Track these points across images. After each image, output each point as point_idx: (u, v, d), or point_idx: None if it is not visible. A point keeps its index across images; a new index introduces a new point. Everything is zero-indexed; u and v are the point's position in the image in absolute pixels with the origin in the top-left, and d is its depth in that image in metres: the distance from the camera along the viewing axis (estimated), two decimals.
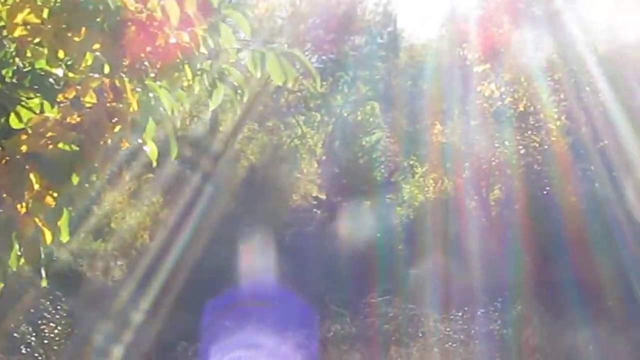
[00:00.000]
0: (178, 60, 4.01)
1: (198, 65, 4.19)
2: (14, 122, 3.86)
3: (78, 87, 3.86)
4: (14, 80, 4.08)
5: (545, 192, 22.37)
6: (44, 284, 3.87)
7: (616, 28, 23.03)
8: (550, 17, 23.94)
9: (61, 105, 3.85)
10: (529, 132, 22.99)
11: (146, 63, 4.01)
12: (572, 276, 19.62)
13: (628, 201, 20.59)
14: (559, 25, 23.39)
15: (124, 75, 3.89)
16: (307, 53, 28.65)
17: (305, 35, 29.85)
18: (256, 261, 21.94)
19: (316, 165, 30.04)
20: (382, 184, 27.91)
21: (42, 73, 4.09)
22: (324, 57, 30.84)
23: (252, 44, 4.73)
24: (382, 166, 28.88)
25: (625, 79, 22.10)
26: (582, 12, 23.49)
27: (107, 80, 3.84)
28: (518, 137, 23.09)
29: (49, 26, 3.83)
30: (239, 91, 4.41)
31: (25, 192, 3.60)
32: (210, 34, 4.17)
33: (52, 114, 3.80)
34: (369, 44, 31.15)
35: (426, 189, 27.41)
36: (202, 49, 4.12)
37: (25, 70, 4.10)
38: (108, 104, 3.79)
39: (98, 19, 3.85)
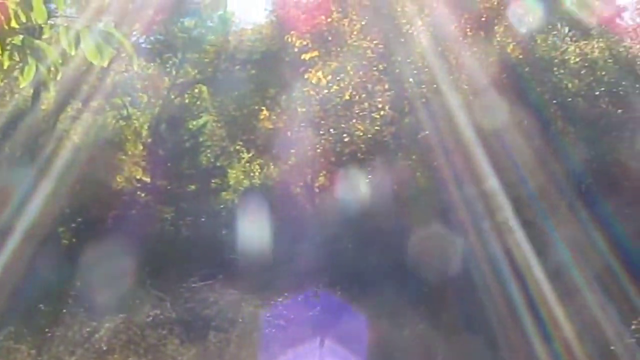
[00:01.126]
0: None
1: (8, 40, 4.00)
2: None
3: None
4: None
5: (367, 180, 22.81)
6: None
7: (443, 21, 23.64)
8: (379, 7, 24.36)
9: None
10: (354, 121, 23.33)
11: None
12: (391, 262, 20.12)
13: (447, 190, 21.25)
14: (386, 16, 23.83)
15: None
16: (135, 33, 28.03)
17: (134, 15, 29.19)
18: (75, 245, 21.44)
19: (142, 148, 29.49)
20: (208, 168, 27.73)
21: None
22: (152, 38, 30.27)
23: (76, 21, 4.54)
24: (209, 150, 28.68)
25: (448, 71, 22.80)
26: (409, 3, 23.97)
27: None
28: (343, 126, 23.40)
29: None
30: (52, 68, 4.24)
31: None
32: (22, 7, 3.98)
33: None
34: (199, 26, 30.80)
35: (252, 174, 27.51)
36: (13, 23, 3.93)
37: None
38: None
39: None
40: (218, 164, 28.30)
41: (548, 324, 17.05)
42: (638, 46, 24.60)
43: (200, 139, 28.16)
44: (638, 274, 18.32)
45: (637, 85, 23.49)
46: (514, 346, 17.21)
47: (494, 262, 19.34)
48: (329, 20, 24.25)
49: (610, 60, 23.80)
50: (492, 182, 20.92)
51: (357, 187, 22.60)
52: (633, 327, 14.09)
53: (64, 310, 18.37)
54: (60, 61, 4.29)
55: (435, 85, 22.74)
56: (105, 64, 4.22)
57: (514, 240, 19.61)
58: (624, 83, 23.26)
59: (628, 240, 19.81)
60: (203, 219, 24.59)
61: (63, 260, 21.09)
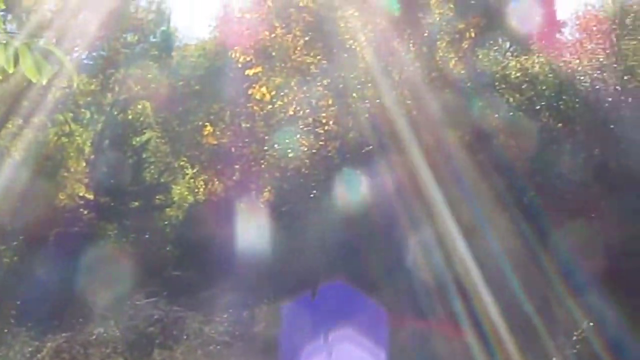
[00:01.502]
0: None
1: None
2: None
3: None
4: None
5: (312, 196, 22.85)
6: None
7: (386, 37, 23.82)
8: (322, 23, 24.47)
9: None
10: (298, 136, 23.39)
11: None
12: (340, 277, 20.16)
13: (391, 203, 21.36)
14: (329, 32, 23.94)
15: None
16: (77, 49, 27.80)
17: (76, 31, 28.93)
18: (17, 263, 21.14)
19: (84, 164, 29.20)
20: (151, 184, 27.55)
21: None
22: (94, 54, 30.02)
23: (16, 37, 4.50)
24: (152, 167, 28.50)
25: (392, 87, 22.98)
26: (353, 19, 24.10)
27: None
28: (287, 141, 23.44)
29: None
30: None
31: None
32: None
33: None
34: (142, 42, 30.65)
35: (196, 190, 27.41)
36: None
37: None
38: None
39: None
40: (162, 180, 28.13)
41: (490, 337, 17.20)
42: (577, 61, 25.00)
43: (144, 155, 27.97)
44: (577, 285, 18.62)
45: (577, 100, 23.88)
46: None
47: (436, 272, 19.50)
48: (273, 36, 24.28)
49: (550, 75, 24.16)
50: (435, 195, 21.10)
51: (303, 202, 22.63)
52: (574, 338, 14.28)
53: (6, 330, 18.10)
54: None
55: (379, 101, 22.90)
56: (44, 82, 4.18)
57: (456, 253, 19.77)
58: (564, 97, 23.63)
59: (568, 252, 20.09)
60: (147, 236, 24.42)
61: (5, 278, 20.80)
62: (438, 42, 24.24)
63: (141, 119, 29.73)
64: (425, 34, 23.94)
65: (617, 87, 23.66)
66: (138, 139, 28.46)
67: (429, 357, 17.56)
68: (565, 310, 17.63)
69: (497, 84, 24.19)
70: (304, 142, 23.26)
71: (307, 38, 24.19)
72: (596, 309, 17.74)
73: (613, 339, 16.97)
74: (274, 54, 24.26)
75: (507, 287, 18.66)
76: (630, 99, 23.41)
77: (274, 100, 23.67)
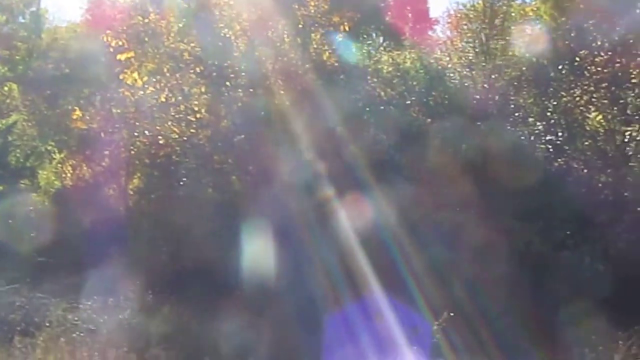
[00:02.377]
0: None
1: None
2: None
3: None
4: None
5: (181, 183, 22.66)
6: None
7: (261, 27, 23.78)
8: (196, 11, 24.32)
9: None
10: (170, 123, 23.13)
11: None
12: (207, 265, 20.08)
13: (260, 192, 21.39)
14: (204, 19, 23.80)
15: None
16: None
17: None
18: None
19: None
20: (17, 168, 26.76)
21: None
22: None
23: None
24: (18, 150, 27.67)
25: (265, 76, 23.01)
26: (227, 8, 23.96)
27: None
28: (158, 127, 23.16)
29: None
30: None
31: None
32: None
33: None
34: (10, 22, 29.77)
35: (64, 175, 26.76)
36: None
37: None
38: None
39: None
40: (28, 164, 27.37)
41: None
42: (448, 58, 25.53)
43: (10, 138, 27.15)
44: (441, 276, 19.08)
45: (446, 96, 24.36)
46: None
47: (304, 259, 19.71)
48: (146, 21, 23.95)
49: (421, 71, 24.58)
50: (308, 184, 21.29)
51: (172, 189, 22.43)
52: (435, 327, 14.58)
53: None
54: None
55: (252, 90, 22.90)
56: None
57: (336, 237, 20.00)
58: (434, 93, 24.09)
59: (435, 245, 20.51)
60: (11, 221, 23.69)
61: None
62: (312, 34, 24.37)
63: (7, 101, 28.87)
64: (300, 26, 24.03)
65: (485, 85, 24.25)
66: (4, 121, 27.59)
67: None
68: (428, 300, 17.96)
69: (369, 77, 24.47)
70: (175, 129, 23.02)
71: (181, 24, 23.96)
72: (458, 300, 18.18)
73: (472, 329, 17.40)
74: (146, 39, 23.94)
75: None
76: (497, 97, 24.04)
77: (146, 86, 23.34)
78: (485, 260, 20.68)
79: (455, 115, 23.54)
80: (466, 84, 24.59)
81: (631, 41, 25.15)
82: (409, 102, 24.09)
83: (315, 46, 24.33)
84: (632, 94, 24.09)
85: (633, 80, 24.32)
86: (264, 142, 22.21)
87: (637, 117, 23.65)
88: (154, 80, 23.31)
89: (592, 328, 16.77)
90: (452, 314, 14.31)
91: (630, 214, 22.60)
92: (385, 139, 23.69)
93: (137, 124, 23.72)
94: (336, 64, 24.26)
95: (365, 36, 26.46)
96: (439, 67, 24.98)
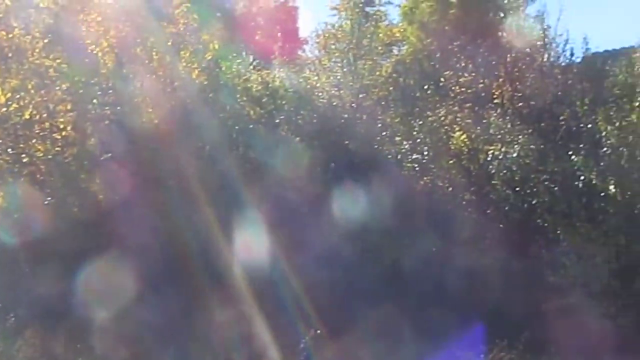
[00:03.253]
0: None
1: None
2: None
3: None
4: None
5: (46, 203, 22.14)
6: None
7: (128, 44, 23.55)
8: (62, 27, 23.89)
9: None
10: (34, 141, 22.59)
11: None
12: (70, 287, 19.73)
13: (130, 213, 21.15)
14: (70, 36, 23.40)
15: None
16: None
17: None
18: None
19: None
20: None
21: None
22: None
23: None
24: None
25: (133, 94, 22.79)
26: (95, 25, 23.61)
27: None
28: (22, 146, 22.59)
29: None
30: None
31: None
32: None
33: None
34: None
35: None
36: None
37: None
38: None
39: None
40: None
41: None
42: (316, 77, 25.83)
43: None
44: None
45: (315, 115, 24.63)
46: None
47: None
48: (10, 36, 23.36)
49: (290, 90, 24.79)
50: (179, 204, 21.20)
51: (34, 208, 21.88)
52: (302, 345, 14.66)
53: None
54: None
55: (119, 108, 22.63)
56: None
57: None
58: (302, 112, 24.32)
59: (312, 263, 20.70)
60: None
61: None
62: (182, 52, 24.28)
63: None
64: (169, 43, 23.91)
65: (353, 104, 24.66)
66: None
67: None
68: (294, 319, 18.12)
69: (238, 96, 24.52)
70: (39, 147, 22.49)
71: (46, 40, 23.47)
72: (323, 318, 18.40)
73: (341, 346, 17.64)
74: (10, 54, 23.34)
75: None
76: (364, 116, 24.46)
77: (9, 102, 22.73)
78: (355, 277, 21.03)
79: (324, 134, 23.85)
80: (334, 104, 24.92)
81: (494, 62, 26.08)
82: (277, 120, 24.24)
83: (184, 64, 24.22)
84: (495, 114, 24.93)
85: (495, 101, 25.21)
86: (132, 161, 21.97)
87: (499, 137, 24.46)
88: (18, 96, 22.70)
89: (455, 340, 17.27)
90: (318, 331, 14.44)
91: (493, 231, 23.36)
92: (254, 157, 23.78)
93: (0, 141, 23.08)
94: (205, 82, 24.21)
95: (234, 55, 26.51)
96: (308, 87, 25.24)
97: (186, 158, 22.11)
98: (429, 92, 26.37)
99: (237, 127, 23.84)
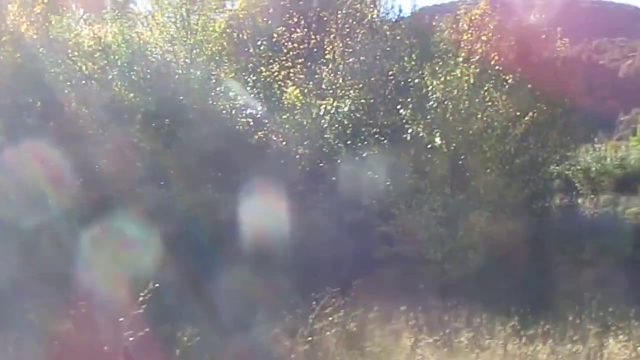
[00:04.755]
0: None
1: None
2: None
3: None
4: None
5: None
6: None
7: None
8: None
9: None
10: None
11: None
12: None
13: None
14: None
15: None
16: None
17: None
18: None
19: None
20: None
21: None
22: None
23: None
24: None
25: None
26: None
27: None
28: None
29: None
30: None
31: None
32: None
33: None
34: None
35: None
36: None
37: None
38: None
39: None
40: None
41: None
42: (150, 33, 25.53)
43: None
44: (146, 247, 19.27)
45: (148, 71, 24.29)
46: None
47: None
48: None
49: (123, 45, 24.40)
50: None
51: None
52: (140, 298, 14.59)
53: None
54: None
55: None
56: None
57: None
58: (135, 68, 24.05)
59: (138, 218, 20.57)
60: None
61: None
62: (10, 5, 23.61)
63: None
64: None
65: (187, 60, 24.60)
66: None
67: None
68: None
69: (70, 51, 24.03)
70: None
71: None
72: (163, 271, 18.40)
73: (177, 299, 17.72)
74: None
75: None
76: (198, 72, 24.45)
77: None
78: (187, 231, 21.14)
79: (158, 89, 23.72)
80: (168, 59, 24.79)
81: (325, 19, 26.59)
82: (110, 76, 23.90)
83: (12, 18, 23.57)
84: (327, 69, 25.49)
85: (327, 56, 25.74)
86: None
87: (331, 91, 25.06)
88: None
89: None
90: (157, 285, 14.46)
91: (325, 184, 24.03)
92: (87, 113, 23.46)
93: None
94: (35, 37, 23.63)
95: (65, 8, 25.85)
96: (141, 42, 24.94)
97: (16, 115, 21.59)
98: (262, 47, 26.63)
99: (68, 83, 23.38)
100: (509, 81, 24.18)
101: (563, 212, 30.57)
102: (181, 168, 22.85)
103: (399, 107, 23.86)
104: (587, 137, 34.68)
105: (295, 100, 24.80)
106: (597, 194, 34.65)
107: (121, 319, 12.11)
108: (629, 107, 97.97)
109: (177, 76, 24.22)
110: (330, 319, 15.20)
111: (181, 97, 23.79)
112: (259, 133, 24.91)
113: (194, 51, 24.56)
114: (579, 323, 15.52)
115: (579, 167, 34.18)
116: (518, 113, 23.67)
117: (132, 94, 23.60)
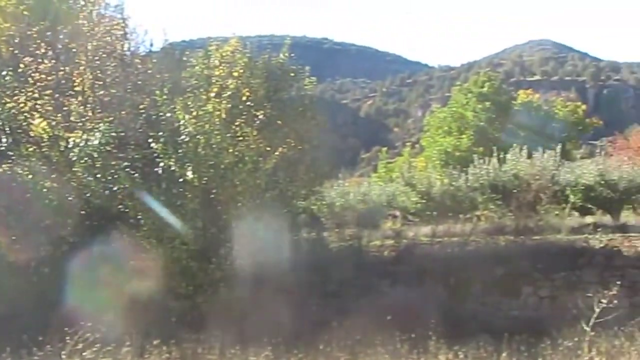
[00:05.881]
0: None
1: None
2: None
3: None
4: None
5: None
6: None
7: None
8: None
9: None
10: None
11: None
12: None
13: None
14: None
15: None
16: None
17: None
18: None
19: None
20: None
21: None
22: None
23: None
24: None
25: None
26: None
27: None
28: None
29: None
30: None
31: None
32: None
33: None
34: None
35: None
36: None
37: None
38: None
39: None
40: None
41: None
42: None
43: None
44: None
45: None
46: None
47: None
48: None
49: None
50: None
51: None
52: None
53: None
54: None
55: None
56: None
57: None
58: None
59: None
60: None
61: None
62: None
63: None
64: None
65: None
66: None
67: None
68: None
69: None
70: None
71: None
72: None
73: None
74: None
75: None
76: None
77: None
78: None
79: None
80: None
81: (74, 50, 26.11)
82: None
83: None
84: (75, 102, 25.02)
85: (76, 88, 25.28)
86: None
87: (80, 124, 24.57)
88: None
89: None
90: None
91: (74, 217, 23.52)
92: None
93: None
94: None
95: None
96: None
97: None
98: (7, 78, 25.71)
99: None
100: (260, 117, 24.72)
101: (310, 245, 31.50)
102: None
103: (150, 140, 23.76)
104: (331, 173, 35.76)
105: (43, 132, 24.11)
106: (342, 227, 35.90)
107: None
108: (370, 145, 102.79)
109: None
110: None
111: None
112: (4, 166, 23.94)
113: None
114: (329, 351, 16.14)
115: (324, 202, 35.22)
116: (268, 148, 24.24)
117: None
